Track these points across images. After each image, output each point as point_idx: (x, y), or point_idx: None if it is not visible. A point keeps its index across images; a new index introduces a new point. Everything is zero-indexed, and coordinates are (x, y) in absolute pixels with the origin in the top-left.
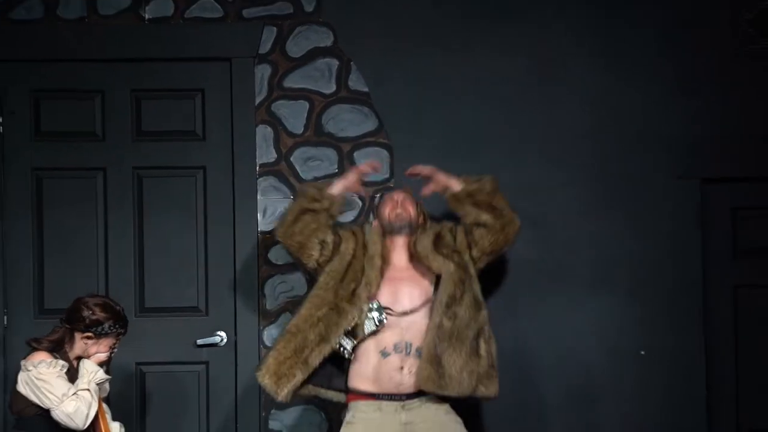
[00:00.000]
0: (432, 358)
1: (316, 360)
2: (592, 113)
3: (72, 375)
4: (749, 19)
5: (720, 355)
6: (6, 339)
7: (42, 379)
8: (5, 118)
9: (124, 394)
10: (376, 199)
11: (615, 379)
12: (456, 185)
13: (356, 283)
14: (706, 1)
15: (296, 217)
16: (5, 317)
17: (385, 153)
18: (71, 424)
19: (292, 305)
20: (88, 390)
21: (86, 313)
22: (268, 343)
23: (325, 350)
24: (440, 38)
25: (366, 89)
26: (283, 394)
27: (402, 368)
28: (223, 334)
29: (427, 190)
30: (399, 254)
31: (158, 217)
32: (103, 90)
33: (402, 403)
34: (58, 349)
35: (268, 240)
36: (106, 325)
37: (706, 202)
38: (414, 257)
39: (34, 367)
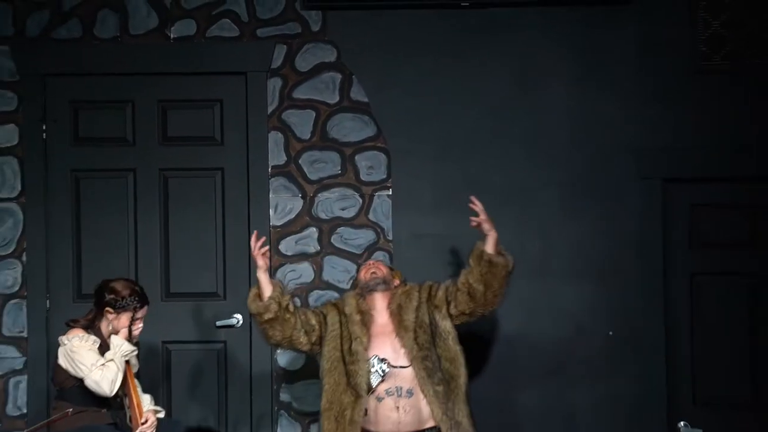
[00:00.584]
0: (451, 422)
1: (359, 415)
2: (569, 122)
3: (105, 350)
4: (704, 40)
5: (678, 335)
6: (48, 320)
7: (74, 351)
8: (48, 125)
9: (152, 370)
10: (374, 199)
11: (586, 356)
12: (491, 241)
13: (350, 342)
14: (668, 25)
15: (266, 332)
16: (48, 301)
17: (383, 156)
18: (99, 391)
19: (301, 291)
20: (113, 360)
21: (107, 290)
22: None
23: (362, 404)
24: (433, 54)
25: (366, 99)
26: None
27: (397, 408)
28: (239, 316)
29: (474, 222)
30: (380, 311)
31: (181, 212)
32: (133, 100)
33: None
34: (91, 327)
35: (279, 233)
36: (123, 300)
37: (667, 199)
38: (393, 314)
39: (69, 341)
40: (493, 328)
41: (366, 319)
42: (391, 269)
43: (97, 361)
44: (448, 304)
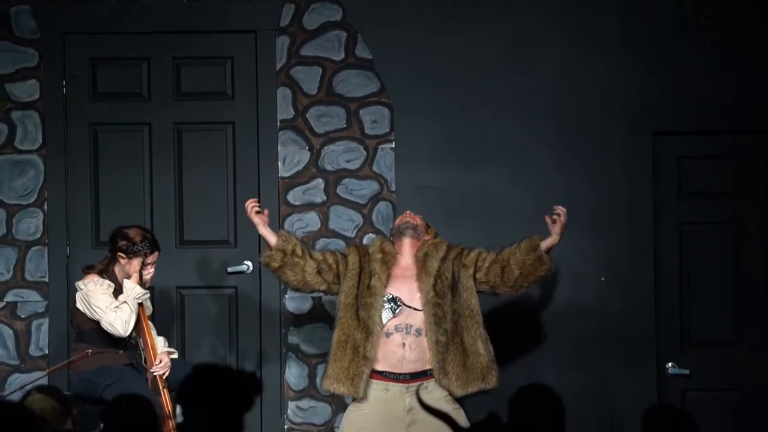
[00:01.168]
0: (441, 370)
1: (371, 352)
2: (561, 77)
3: (118, 294)
4: None
5: (667, 281)
6: (69, 266)
7: (90, 295)
8: (68, 81)
9: (166, 314)
10: (378, 151)
11: (579, 300)
12: (549, 242)
13: (369, 279)
14: None
15: (281, 278)
16: (68, 248)
17: (386, 111)
18: (113, 332)
19: (308, 239)
20: (126, 303)
21: (120, 236)
22: None
23: (374, 340)
24: (433, 14)
25: (370, 57)
26: (361, 390)
27: (404, 344)
28: (249, 263)
29: (549, 221)
30: (405, 255)
31: (194, 164)
32: (149, 57)
33: (406, 385)
34: (106, 271)
35: (287, 184)
36: (135, 246)
37: (657, 151)
38: (418, 260)
39: (85, 285)
40: None
41: (387, 258)
42: (428, 225)
43: (111, 303)
44: (477, 268)
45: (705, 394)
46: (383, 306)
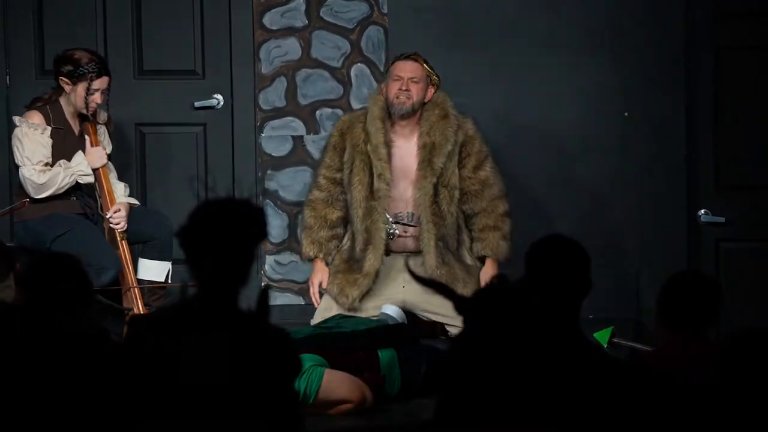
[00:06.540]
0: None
1: (372, 266)
2: None
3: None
4: None
5: (700, 115)
6: (9, 98)
7: (19, 138)
8: None
9: (124, 154)
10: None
11: (600, 138)
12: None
13: (369, 175)
14: None
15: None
16: (8, 78)
17: None
18: (25, 186)
19: (288, 69)
20: (61, 172)
21: (64, 60)
22: (264, 106)
23: (376, 254)
24: None
25: None
26: (354, 302)
27: (406, 231)
28: (219, 96)
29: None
30: (405, 146)
31: None
32: None
33: (407, 254)
34: (51, 103)
35: (263, 5)
36: (79, 68)
37: None
38: (420, 149)
39: (20, 124)
40: (502, 108)
41: (390, 152)
42: (430, 72)
43: (39, 161)
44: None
45: (741, 245)
46: (385, 226)
